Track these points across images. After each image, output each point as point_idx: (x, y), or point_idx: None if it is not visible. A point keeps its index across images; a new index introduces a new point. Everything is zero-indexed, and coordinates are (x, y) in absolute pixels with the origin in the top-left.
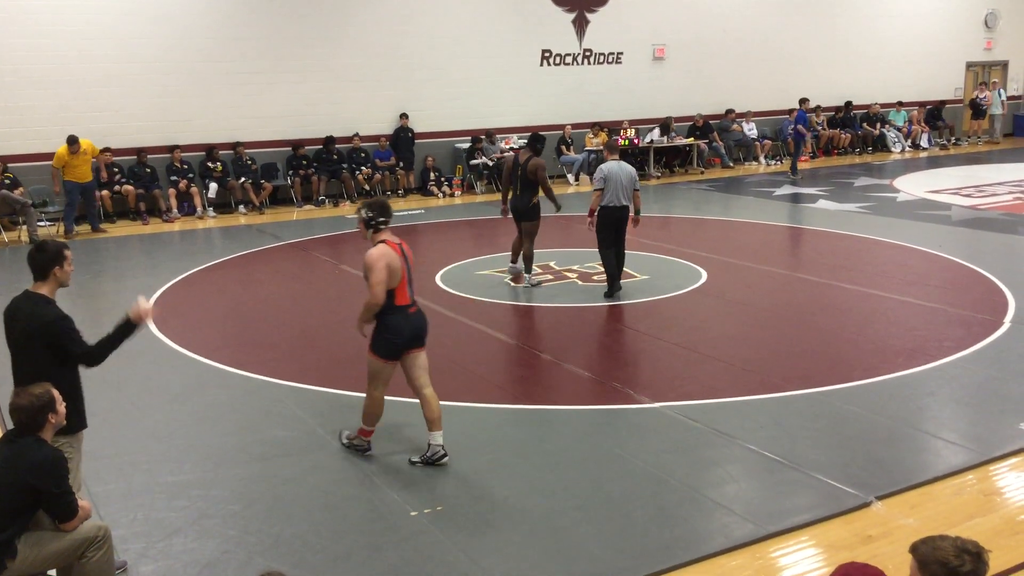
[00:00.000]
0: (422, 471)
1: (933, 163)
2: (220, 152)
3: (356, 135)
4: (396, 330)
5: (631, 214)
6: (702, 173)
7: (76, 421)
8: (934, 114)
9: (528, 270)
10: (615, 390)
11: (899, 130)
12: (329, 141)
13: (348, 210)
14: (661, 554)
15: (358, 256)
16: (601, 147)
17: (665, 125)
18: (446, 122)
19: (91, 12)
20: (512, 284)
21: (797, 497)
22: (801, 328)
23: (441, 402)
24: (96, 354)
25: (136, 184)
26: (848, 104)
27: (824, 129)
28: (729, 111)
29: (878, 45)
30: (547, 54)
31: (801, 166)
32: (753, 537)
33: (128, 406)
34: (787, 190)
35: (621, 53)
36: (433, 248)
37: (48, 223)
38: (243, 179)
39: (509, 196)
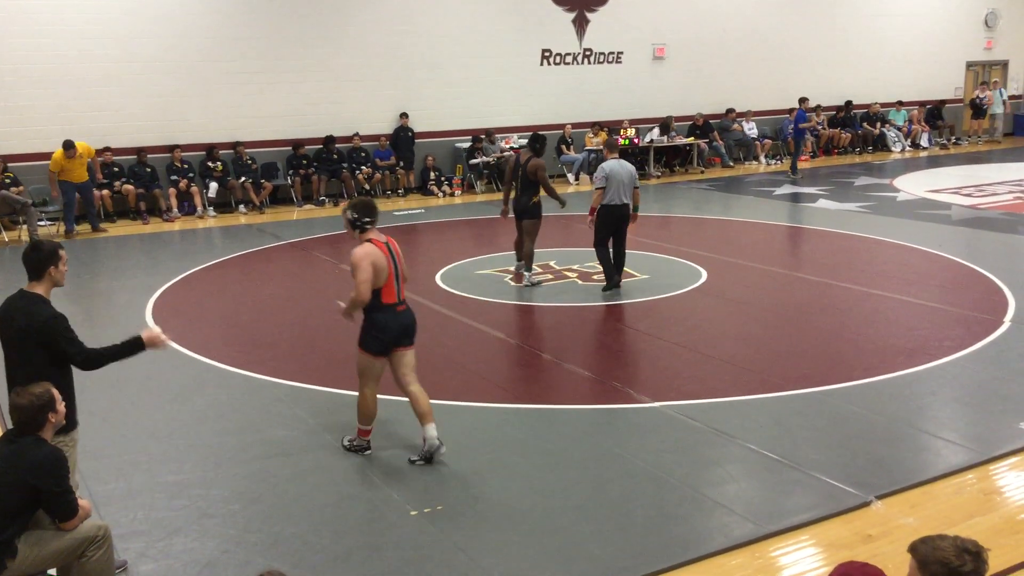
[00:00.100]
0: (422, 470)
1: (933, 162)
2: (220, 152)
3: (356, 134)
4: (383, 327)
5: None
6: (702, 172)
7: (68, 421)
8: (934, 113)
9: (528, 268)
10: (615, 389)
11: (899, 129)
12: (329, 140)
13: None
14: (661, 553)
15: None
16: (601, 147)
17: (665, 124)
18: (446, 121)
19: (91, 12)
20: (512, 283)
21: (797, 496)
22: (801, 327)
23: (441, 401)
24: (95, 359)
25: (136, 184)
26: (848, 103)
27: (824, 128)
28: (729, 110)
29: (878, 45)
30: (547, 53)
31: (801, 165)
32: (753, 536)
33: (128, 405)
34: (787, 189)
35: (621, 52)
36: (433, 248)
37: (48, 223)
38: (243, 179)
39: (511, 196)
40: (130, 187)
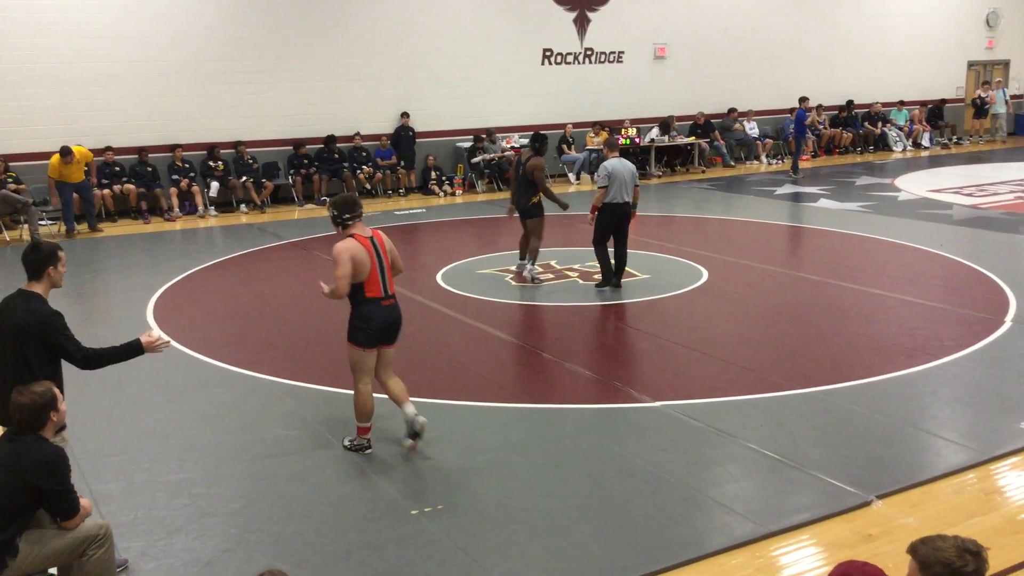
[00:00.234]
0: (422, 470)
1: (934, 162)
2: (221, 151)
3: (357, 134)
4: (367, 318)
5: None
6: (703, 172)
7: None
8: (935, 113)
9: (532, 261)
10: (616, 389)
11: (900, 129)
12: (330, 140)
13: None
14: (661, 553)
15: None
16: (602, 146)
17: (666, 124)
18: (447, 121)
19: (92, 12)
20: (513, 283)
21: (797, 496)
22: (802, 327)
23: (441, 401)
24: (93, 359)
25: (137, 183)
26: (849, 103)
27: (826, 128)
28: (731, 110)
29: (879, 44)
30: (548, 53)
31: (802, 165)
32: (753, 536)
33: (129, 404)
34: (788, 189)
35: (622, 52)
36: (434, 247)
37: (49, 222)
38: (244, 178)
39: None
40: (131, 186)
